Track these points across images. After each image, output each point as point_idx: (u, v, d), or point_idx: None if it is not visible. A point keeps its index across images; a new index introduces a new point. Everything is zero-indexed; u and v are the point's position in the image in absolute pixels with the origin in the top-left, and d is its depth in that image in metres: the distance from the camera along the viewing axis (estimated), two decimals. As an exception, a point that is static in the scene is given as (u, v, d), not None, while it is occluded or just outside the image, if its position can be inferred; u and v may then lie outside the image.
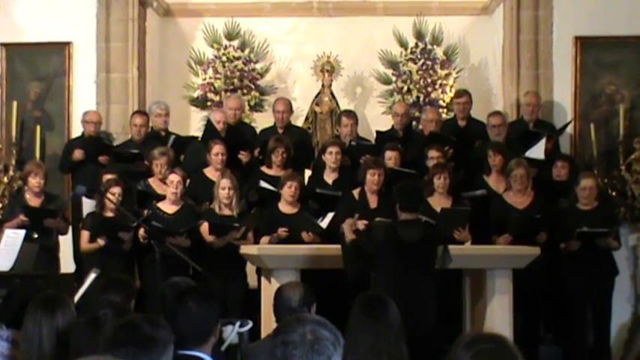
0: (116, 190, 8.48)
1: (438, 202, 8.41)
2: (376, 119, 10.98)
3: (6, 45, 10.50)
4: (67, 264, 9.17)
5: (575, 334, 8.60)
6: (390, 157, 8.99)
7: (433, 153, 8.96)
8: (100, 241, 8.46)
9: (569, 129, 10.12)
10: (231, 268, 8.52)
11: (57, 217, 8.86)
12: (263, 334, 6.73)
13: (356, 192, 8.55)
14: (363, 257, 7.10)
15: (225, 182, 8.60)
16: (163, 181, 8.88)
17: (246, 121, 10.76)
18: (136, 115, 9.90)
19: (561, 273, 8.55)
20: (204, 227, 8.51)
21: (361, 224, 7.98)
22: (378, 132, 9.99)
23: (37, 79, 10.51)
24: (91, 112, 10.02)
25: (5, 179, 10.12)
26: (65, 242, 9.26)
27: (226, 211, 8.60)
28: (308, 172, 9.77)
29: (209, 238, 8.50)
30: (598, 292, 8.59)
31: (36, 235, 8.56)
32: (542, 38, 10.34)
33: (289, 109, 10.06)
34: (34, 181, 8.88)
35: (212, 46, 11.32)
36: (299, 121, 10.69)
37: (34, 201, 8.92)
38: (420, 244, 6.93)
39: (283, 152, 9.06)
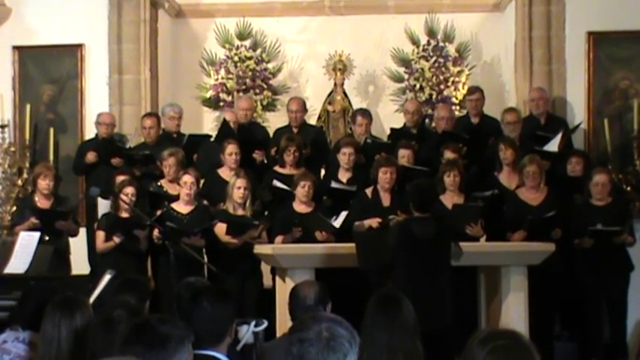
0: (129, 190, 8.50)
1: (450, 199, 8.42)
2: (389, 117, 10.97)
3: (19, 48, 10.53)
4: (77, 266, 9.16)
5: (591, 331, 8.56)
6: (404, 156, 8.97)
7: (449, 154, 8.92)
8: (116, 239, 8.46)
9: (583, 125, 10.10)
10: (247, 267, 8.53)
11: (68, 219, 8.83)
12: (278, 334, 6.73)
13: (369, 190, 8.55)
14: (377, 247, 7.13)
15: (241, 182, 8.60)
16: (173, 181, 8.89)
17: (259, 121, 10.78)
18: (145, 118, 9.87)
19: (576, 269, 8.52)
20: (220, 228, 8.51)
21: (375, 222, 7.98)
22: (392, 129, 9.98)
23: (50, 81, 10.54)
24: (105, 113, 10.01)
25: (19, 182, 10.15)
26: (75, 244, 9.25)
27: (240, 211, 8.60)
28: (324, 171, 9.77)
29: (225, 238, 8.49)
30: (613, 288, 8.55)
31: (47, 238, 8.51)
32: (554, 34, 10.29)
33: (303, 109, 10.04)
34: (44, 183, 8.85)
35: (224, 47, 11.33)
36: (311, 120, 10.68)
37: (43, 203, 8.89)
38: (433, 240, 6.94)
39: (295, 151, 9.06)
